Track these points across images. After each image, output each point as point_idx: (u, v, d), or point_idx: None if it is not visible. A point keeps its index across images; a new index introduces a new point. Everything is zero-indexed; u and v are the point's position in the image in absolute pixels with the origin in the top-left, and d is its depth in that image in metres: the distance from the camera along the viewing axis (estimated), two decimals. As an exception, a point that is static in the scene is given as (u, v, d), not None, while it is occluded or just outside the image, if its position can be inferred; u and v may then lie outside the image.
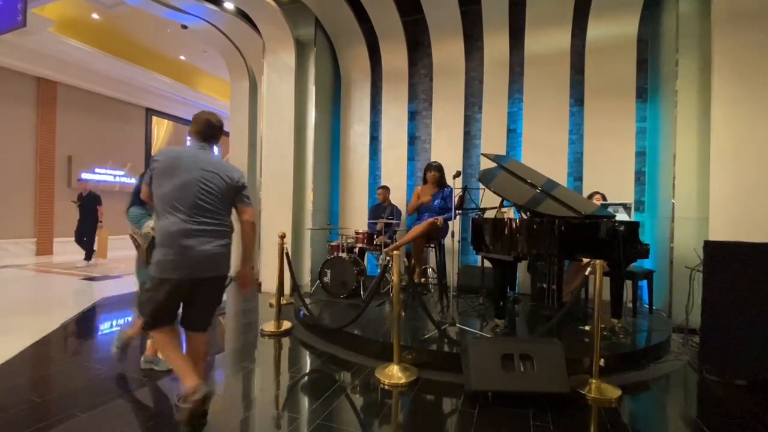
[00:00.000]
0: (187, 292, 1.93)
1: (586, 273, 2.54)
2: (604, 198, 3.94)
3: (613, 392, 2.38)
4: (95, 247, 7.87)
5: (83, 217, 7.65)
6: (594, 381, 2.42)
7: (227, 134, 7.27)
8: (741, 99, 3.43)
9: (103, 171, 9.82)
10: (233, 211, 2.11)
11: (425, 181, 4.31)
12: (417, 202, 4.25)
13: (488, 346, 2.38)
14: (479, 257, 4.31)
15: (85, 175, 9.40)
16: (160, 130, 11.65)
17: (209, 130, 2.09)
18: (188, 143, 2.11)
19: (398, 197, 5.37)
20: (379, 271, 5.09)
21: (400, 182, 5.48)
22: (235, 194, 2.05)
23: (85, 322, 3.83)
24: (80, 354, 2.99)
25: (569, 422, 2.12)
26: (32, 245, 8.49)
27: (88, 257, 7.64)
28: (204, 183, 1.93)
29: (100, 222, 7.78)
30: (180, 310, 2.03)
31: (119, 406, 2.19)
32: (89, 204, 7.68)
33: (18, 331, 3.44)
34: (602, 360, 2.44)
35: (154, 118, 11.37)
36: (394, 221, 4.52)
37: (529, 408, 2.21)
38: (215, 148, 2.19)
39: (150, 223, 2.25)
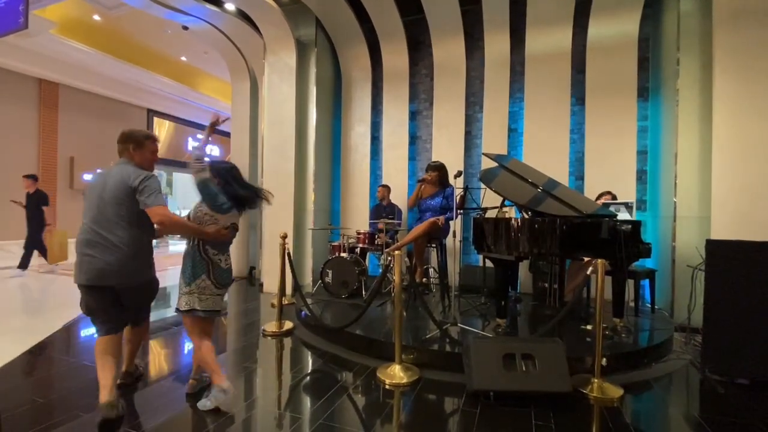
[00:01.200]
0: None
1: (588, 272, 2.54)
2: (613, 197, 3.93)
3: (615, 392, 2.38)
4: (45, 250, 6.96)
5: (28, 218, 6.73)
6: (596, 380, 2.42)
7: (228, 135, 7.28)
8: (743, 97, 3.42)
9: (104, 172, 9.84)
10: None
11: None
12: (417, 196, 4.23)
13: (490, 346, 2.37)
14: (480, 257, 4.32)
15: (87, 176, 9.44)
16: (162, 131, 11.68)
17: (119, 145, 2.33)
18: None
19: (399, 197, 5.37)
20: (380, 271, 5.11)
21: (401, 182, 5.48)
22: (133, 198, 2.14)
23: (86, 323, 3.84)
24: (82, 355, 3.00)
25: (571, 422, 2.12)
26: (34, 246, 8.50)
27: (44, 257, 6.89)
28: (100, 195, 2.15)
29: (48, 224, 6.85)
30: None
31: (124, 407, 2.20)
32: (33, 204, 6.71)
33: (21, 332, 3.45)
34: (604, 359, 2.44)
35: (156, 119, 11.40)
36: (395, 221, 4.52)
37: (531, 407, 2.21)
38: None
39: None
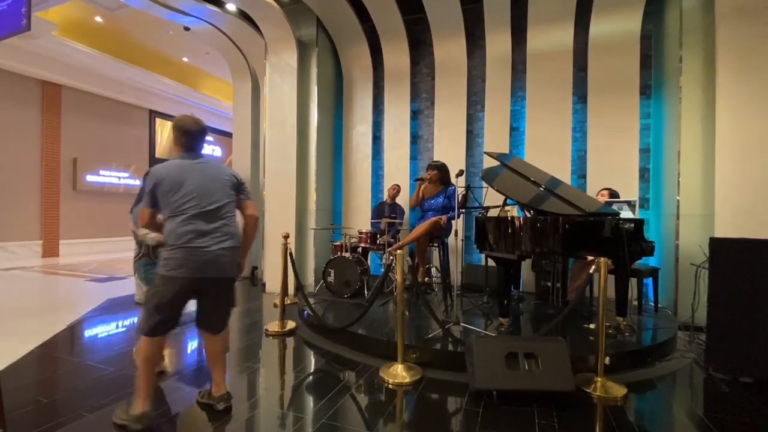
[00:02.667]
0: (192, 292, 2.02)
1: (591, 271, 2.53)
2: (611, 194, 3.91)
3: (619, 390, 2.37)
4: None
5: None
6: (599, 379, 2.41)
7: (230, 135, 7.30)
8: (746, 94, 3.40)
9: (107, 173, 9.89)
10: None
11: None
12: (418, 195, 4.22)
13: (493, 345, 2.37)
14: (483, 256, 4.31)
15: (90, 177, 9.49)
16: (164, 131, 11.71)
17: (194, 140, 2.12)
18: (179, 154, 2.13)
19: (401, 197, 5.36)
20: (382, 270, 5.11)
21: (402, 182, 5.47)
22: (237, 192, 2.17)
23: (91, 324, 3.86)
24: (86, 355, 3.01)
25: (574, 421, 2.11)
26: (38, 247, 8.57)
27: None
28: (207, 187, 2.03)
29: None
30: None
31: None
32: None
33: (25, 333, 3.47)
34: (607, 358, 2.43)
35: (158, 120, 11.43)
36: (397, 220, 4.52)
37: (534, 406, 2.21)
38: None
39: (144, 231, 2.27)
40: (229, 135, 13.31)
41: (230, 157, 7.93)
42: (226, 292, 2.15)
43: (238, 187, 2.18)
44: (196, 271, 1.94)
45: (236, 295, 2.30)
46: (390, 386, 2.51)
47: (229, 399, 2.15)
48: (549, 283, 3.96)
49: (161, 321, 1.96)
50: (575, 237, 2.93)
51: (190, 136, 2.08)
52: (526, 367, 2.27)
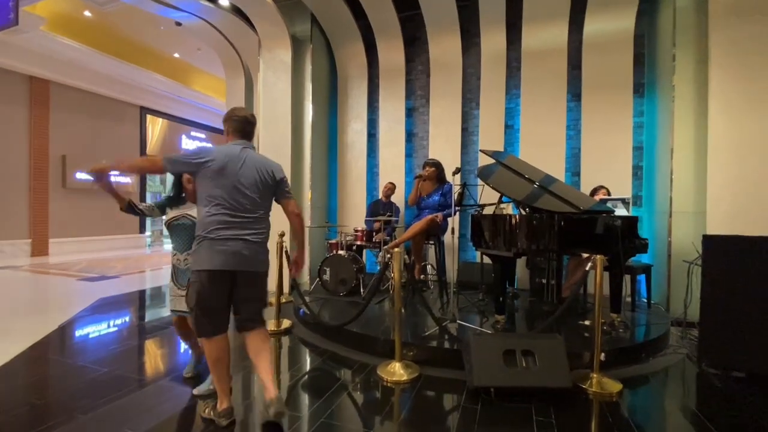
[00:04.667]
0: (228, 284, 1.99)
1: (587, 268, 2.55)
2: (608, 192, 3.94)
3: (614, 386, 2.40)
4: None
5: None
6: (595, 375, 2.43)
7: (222, 132, 7.23)
8: (738, 92, 3.44)
9: (97, 170, 9.73)
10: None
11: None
12: (417, 193, 4.21)
13: (490, 342, 2.38)
14: (477, 253, 4.32)
15: (79, 175, 9.33)
16: (155, 128, 11.56)
17: (248, 126, 2.17)
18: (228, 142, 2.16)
19: (397, 194, 5.36)
20: (378, 268, 5.10)
21: (398, 179, 5.47)
22: (275, 189, 2.16)
23: (82, 324, 3.81)
24: (79, 355, 2.97)
25: (571, 417, 2.13)
26: (27, 246, 8.42)
27: None
28: (245, 180, 2.01)
29: None
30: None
31: (120, 408, 2.18)
32: None
33: (16, 333, 3.41)
34: (602, 354, 2.45)
35: (149, 117, 11.28)
36: (392, 218, 4.51)
37: (532, 403, 2.22)
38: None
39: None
40: (221, 131, 13.21)
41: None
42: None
43: (280, 182, 2.15)
44: (224, 264, 1.92)
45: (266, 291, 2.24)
46: (388, 384, 2.51)
47: (280, 404, 1.96)
48: (544, 281, 3.98)
49: (208, 320, 1.95)
50: (570, 234, 2.95)
51: (241, 121, 2.14)
52: (524, 364, 2.28)
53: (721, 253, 2.68)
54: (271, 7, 5.01)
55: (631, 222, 3.27)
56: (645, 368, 2.79)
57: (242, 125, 2.14)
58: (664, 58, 4.15)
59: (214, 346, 1.97)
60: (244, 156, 2.03)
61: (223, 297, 1.98)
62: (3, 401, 2.20)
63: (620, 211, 3.61)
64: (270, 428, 2.03)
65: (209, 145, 13.34)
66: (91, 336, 3.52)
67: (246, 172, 2.01)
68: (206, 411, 2.07)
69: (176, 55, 10.38)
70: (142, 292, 5.33)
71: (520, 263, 4.47)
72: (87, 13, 8.08)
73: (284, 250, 3.71)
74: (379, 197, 5.21)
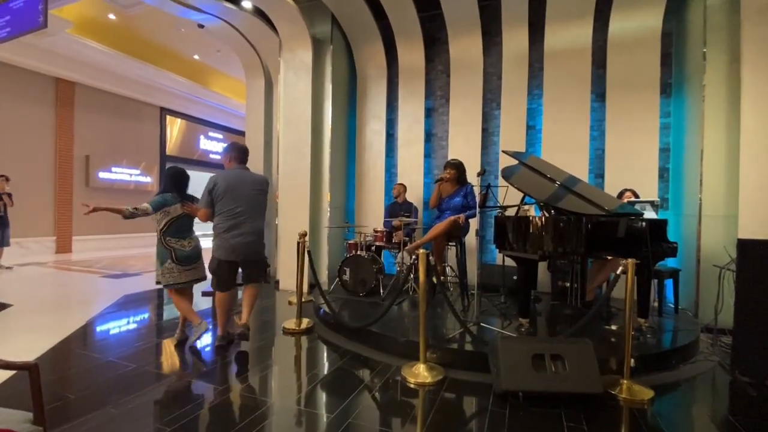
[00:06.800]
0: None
1: (618, 272, 2.49)
2: (635, 195, 3.86)
3: (646, 393, 2.34)
4: None
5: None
6: (625, 381, 2.38)
7: (242, 133, 7.30)
8: (773, 93, 3.33)
9: (119, 170, 9.96)
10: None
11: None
12: (438, 196, 4.16)
13: (518, 346, 2.35)
14: (498, 256, 4.27)
15: (102, 174, 9.56)
16: (174, 128, 11.76)
17: (246, 156, 3.27)
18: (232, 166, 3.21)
19: (415, 195, 5.35)
20: (396, 269, 5.09)
21: (416, 180, 5.46)
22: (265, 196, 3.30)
23: (109, 319, 3.89)
24: (107, 351, 3.03)
25: (602, 423, 2.09)
26: (52, 243, 8.65)
27: None
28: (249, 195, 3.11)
29: None
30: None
31: (149, 403, 2.22)
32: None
33: (46, 329, 3.50)
34: (632, 360, 2.40)
35: (168, 117, 11.48)
36: (411, 219, 4.50)
37: (561, 408, 2.18)
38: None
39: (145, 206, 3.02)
40: (237, 132, 13.36)
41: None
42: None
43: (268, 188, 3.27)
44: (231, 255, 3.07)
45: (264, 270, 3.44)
46: (412, 386, 2.50)
47: (247, 329, 3.13)
48: (567, 283, 3.92)
49: (221, 281, 3.09)
50: (598, 237, 2.90)
51: (241, 150, 3.25)
52: (553, 369, 2.24)
53: (758, 258, 2.59)
54: (292, 8, 5.04)
55: (661, 225, 3.20)
56: (675, 375, 2.72)
57: (242, 155, 3.23)
58: (693, 57, 4.05)
59: (223, 297, 3.14)
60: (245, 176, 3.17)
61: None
62: (38, 395, 2.25)
63: (649, 214, 3.52)
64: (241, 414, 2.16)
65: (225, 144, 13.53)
66: (117, 332, 3.59)
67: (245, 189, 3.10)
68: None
69: (196, 56, 10.55)
70: (161, 290, 5.40)
71: (542, 265, 4.40)
72: (111, 16, 8.27)
73: (306, 249, 3.73)
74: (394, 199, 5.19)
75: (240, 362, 2.89)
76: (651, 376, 2.63)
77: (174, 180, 3.16)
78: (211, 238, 3.12)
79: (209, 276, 3.22)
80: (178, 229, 3.13)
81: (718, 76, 3.74)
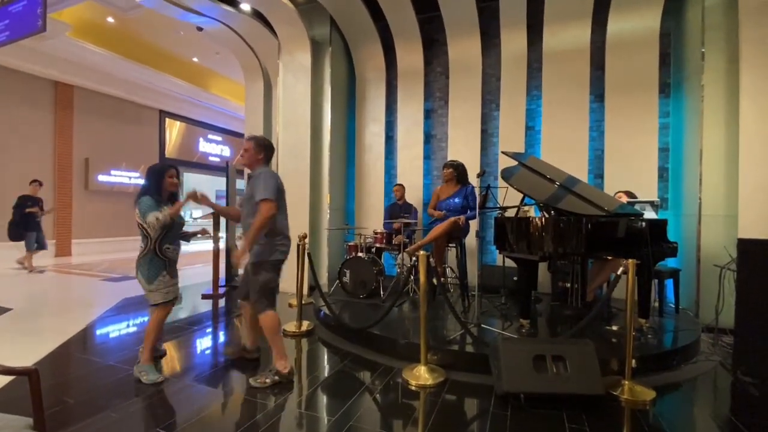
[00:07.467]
0: None
1: (618, 272, 2.49)
2: (630, 196, 3.86)
3: (647, 394, 2.34)
4: None
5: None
6: (626, 382, 2.37)
7: (241, 135, 7.30)
8: (771, 92, 3.34)
9: (118, 173, 9.95)
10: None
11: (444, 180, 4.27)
12: (436, 201, 4.19)
13: (519, 347, 2.34)
14: (498, 257, 4.27)
15: (101, 177, 9.54)
16: (172, 130, 11.75)
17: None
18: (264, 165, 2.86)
19: (415, 197, 5.34)
20: (397, 270, 5.08)
21: (416, 181, 5.45)
22: None
23: (109, 323, 3.87)
24: (107, 355, 3.02)
25: (605, 425, 2.08)
26: (51, 246, 8.61)
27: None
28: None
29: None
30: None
31: (149, 407, 2.21)
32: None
33: (46, 332, 3.49)
34: (633, 361, 2.39)
35: (168, 120, 11.47)
36: (411, 221, 4.49)
37: (562, 410, 2.18)
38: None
39: (156, 214, 2.50)
40: (237, 135, 13.36)
41: (238, 157, 7.91)
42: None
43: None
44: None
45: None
46: (413, 388, 2.49)
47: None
48: (567, 284, 3.91)
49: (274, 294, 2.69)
50: (598, 237, 2.89)
51: (272, 150, 2.90)
52: (555, 370, 2.24)
53: (759, 257, 2.59)
54: (291, 10, 5.05)
55: (661, 225, 3.20)
56: (677, 375, 2.72)
57: (271, 157, 2.92)
58: (692, 57, 4.06)
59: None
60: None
61: None
62: (38, 399, 2.24)
63: (649, 214, 3.52)
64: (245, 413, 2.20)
65: (226, 147, 13.51)
66: (117, 335, 3.58)
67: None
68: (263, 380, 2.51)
69: (195, 59, 10.54)
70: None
71: (542, 266, 4.40)
72: (110, 20, 8.26)
73: (306, 252, 3.72)
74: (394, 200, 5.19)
75: (240, 366, 2.88)
76: (652, 376, 2.63)
77: (158, 178, 2.73)
78: (263, 241, 2.61)
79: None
80: (173, 233, 2.72)
81: (716, 76, 3.75)
